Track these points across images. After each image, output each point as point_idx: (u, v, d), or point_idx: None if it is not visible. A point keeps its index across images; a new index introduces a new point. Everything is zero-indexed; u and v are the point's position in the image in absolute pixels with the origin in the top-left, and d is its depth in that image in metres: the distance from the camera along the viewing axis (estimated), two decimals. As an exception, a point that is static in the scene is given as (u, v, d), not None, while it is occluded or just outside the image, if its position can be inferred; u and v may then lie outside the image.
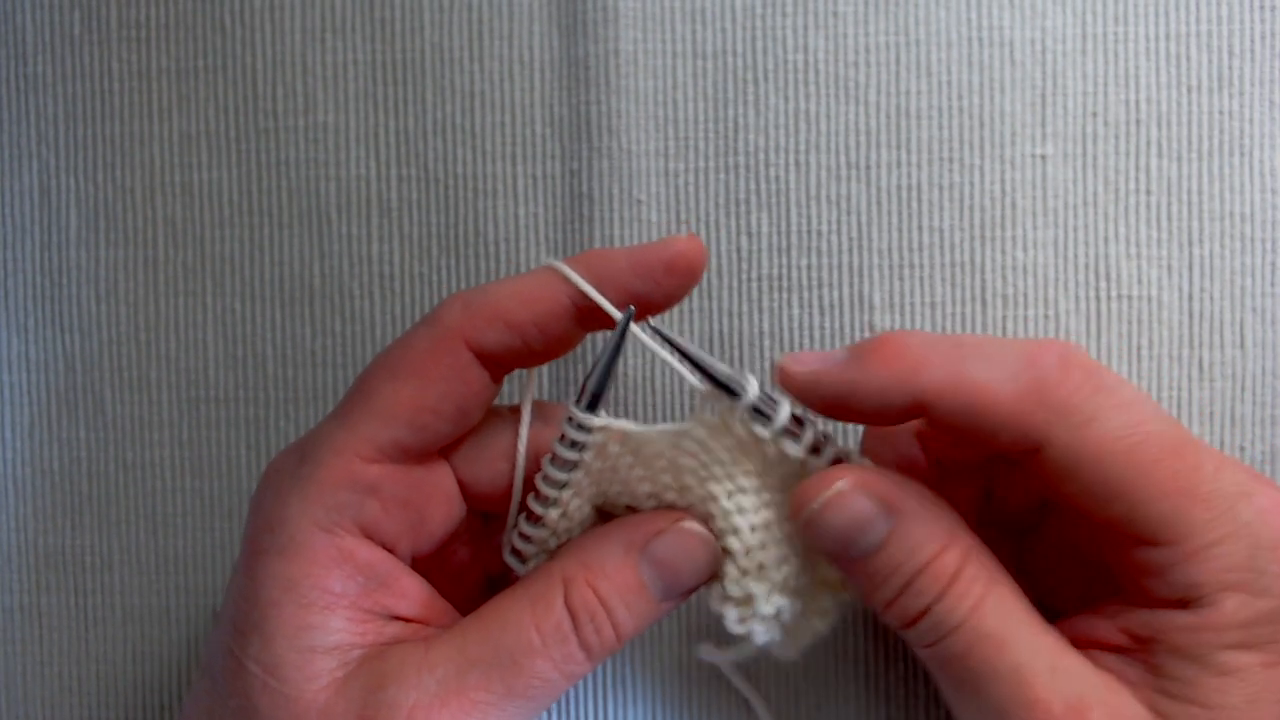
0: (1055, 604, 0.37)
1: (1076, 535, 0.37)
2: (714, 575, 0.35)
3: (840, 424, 0.42)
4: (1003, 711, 0.31)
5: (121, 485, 0.45)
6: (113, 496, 0.45)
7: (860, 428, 0.41)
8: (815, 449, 0.34)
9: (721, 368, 0.34)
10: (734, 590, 0.34)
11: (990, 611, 0.32)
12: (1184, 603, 0.31)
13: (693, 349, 0.34)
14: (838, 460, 0.34)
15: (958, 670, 0.32)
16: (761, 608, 0.34)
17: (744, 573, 0.34)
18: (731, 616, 0.35)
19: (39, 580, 0.45)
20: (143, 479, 0.45)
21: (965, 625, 0.32)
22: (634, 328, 0.34)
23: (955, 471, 0.37)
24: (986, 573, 0.33)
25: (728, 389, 0.34)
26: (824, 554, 0.34)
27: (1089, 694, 0.31)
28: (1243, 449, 0.43)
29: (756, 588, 0.34)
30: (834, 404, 0.33)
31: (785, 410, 0.34)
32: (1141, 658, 0.32)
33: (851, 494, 0.33)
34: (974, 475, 0.38)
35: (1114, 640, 0.33)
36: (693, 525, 0.35)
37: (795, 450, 0.34)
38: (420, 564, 0.36)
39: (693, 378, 0.34)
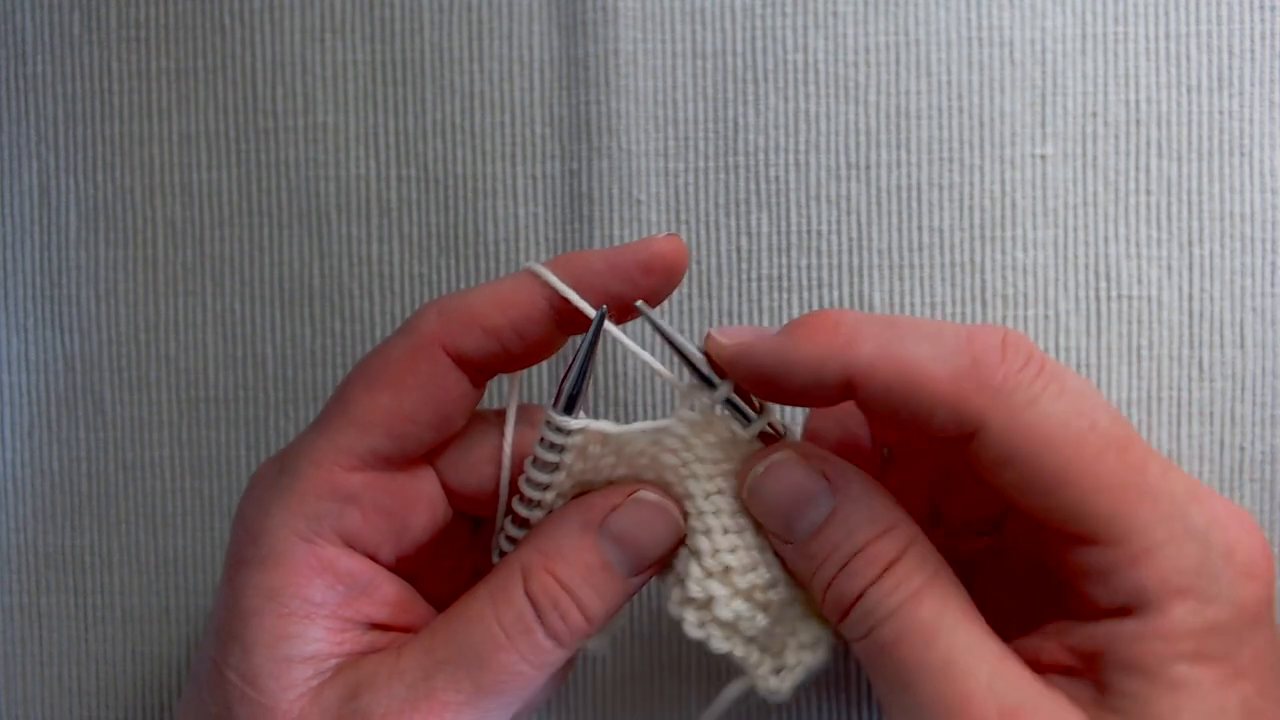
0: (1004, 633, 0.35)
1: (1024, 558, 0.35)
2: (676, 550, 0.34)
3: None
4: (931, 709, 0.29)
5: (121, 485, 0.45)
6: (113, 496, 0.45)
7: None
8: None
9: (702, 358, 0.33)
10: (695, 591, 0.34)
11: (927, 603, 0.30)
12: (1129, 610, 0.29)
13: (678, 337, 0.33)
14: None
15: (887, 663, 0.31)
16: (720, 611, 0.33)
17: (708, 574, 0.34)
18: (690, 620, 0.34)
19: (39, 580, 0.45)
20: (143, 479, 0.45)
21: (898, 613, 0.30)
22: (608, 326, 0.33)
23: (902, 487, 0.35)
24: (929, 565, 0.31)
25: (708, 381, 0.33)
26: (770, 535, 0.33)
27: (1027, 703, 0.29)
28: (1243, 449, 0.43)
29: (718, 590, 0.33)
30: (763, 379, 0.32)
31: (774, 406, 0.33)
32: (1090, 677, 0.30)
33: (791, 463, 0.32)
34: (920, 488, 0.37)
35: (1061, 660, 0.31)
36: (648, 494, 0.34)
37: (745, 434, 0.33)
38: (407, 565, 0.36)
39: (669, 373, 0.34)
